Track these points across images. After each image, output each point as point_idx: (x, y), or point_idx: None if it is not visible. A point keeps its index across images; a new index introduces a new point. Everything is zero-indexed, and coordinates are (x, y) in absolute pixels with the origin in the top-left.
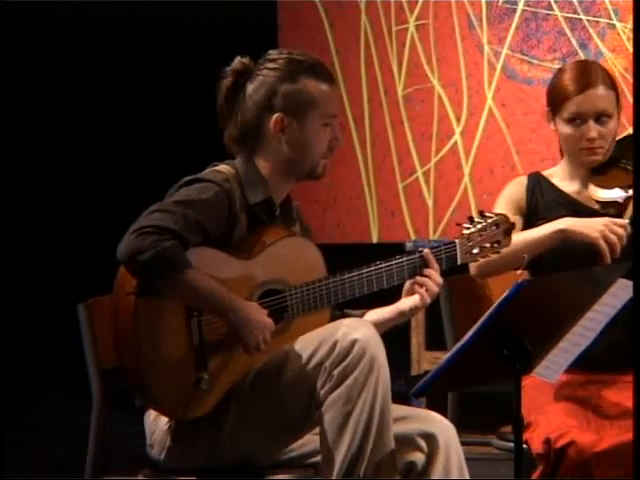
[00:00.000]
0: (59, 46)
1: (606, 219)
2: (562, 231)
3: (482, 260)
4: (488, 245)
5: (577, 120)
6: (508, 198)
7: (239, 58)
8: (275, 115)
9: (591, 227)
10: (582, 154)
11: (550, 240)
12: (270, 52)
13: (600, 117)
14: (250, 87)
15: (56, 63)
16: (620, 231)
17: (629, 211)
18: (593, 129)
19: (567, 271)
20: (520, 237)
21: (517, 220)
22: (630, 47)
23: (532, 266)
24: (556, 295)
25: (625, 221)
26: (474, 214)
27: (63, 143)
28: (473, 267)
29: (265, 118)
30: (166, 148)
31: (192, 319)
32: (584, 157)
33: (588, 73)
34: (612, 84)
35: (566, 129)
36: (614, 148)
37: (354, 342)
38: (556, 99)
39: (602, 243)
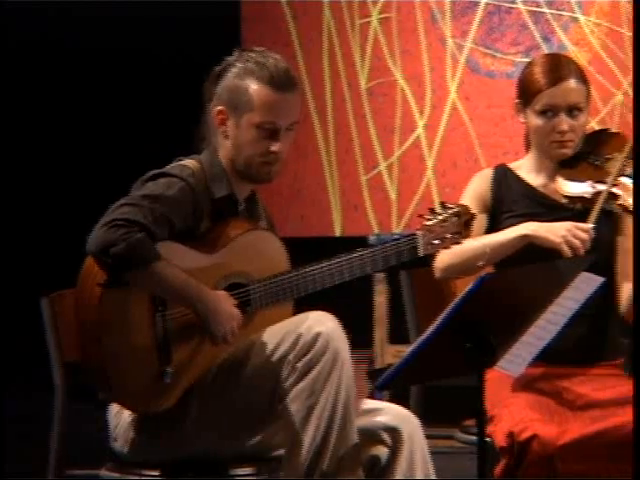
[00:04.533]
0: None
1: (569, 224)
2: (525, 236)
3: (444, 263)
4: (449, 236)
5: (549, 113)
6: (474, 192)
7: (236, 50)
8: (218, 107)
9: (554, 232)
10: (552, 147)
11: (513, 245)
12: (251, 49)
13: (572, 110)
14: (220, 80)
15: (24, 60)
16: (583, 235)
17: (597, 207)
18: (565, 122)
19: (530, 264)
20: (482, 241)
21: (483, 217)
22: (593, 40)
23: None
24: (519, 288)
25: (589, 226)
26: (436, 205)
27: (25, 137)
28: (437, 269)
29: (214, 110)
30: (130, 142)
31: (157, 312)
32: (554, 150)
33: (561, 66)
34: (583, 78)
35: (537, 121)
36: (583, 142)
37: (318, 335)
38: (528, 91)
39: (565, 248)
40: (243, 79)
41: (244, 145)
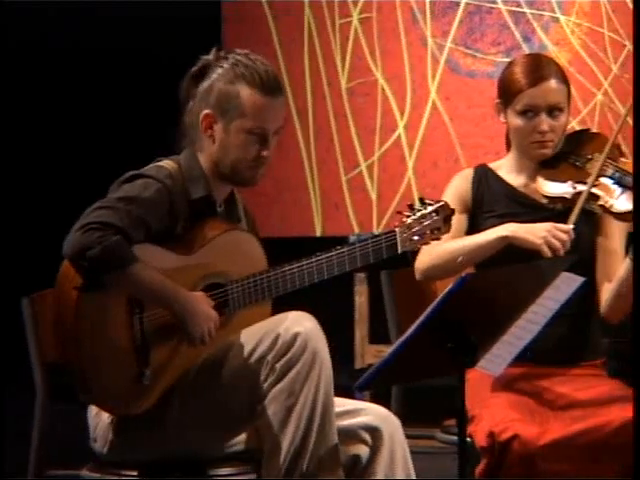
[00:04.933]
0: None
1: (549, 225)
2: (505, 238)
3: (425, 265)
4: (428, 232)
5: (529, 113)
6: (454, 192)
7: (214, 50)
8: (205, 111)
9: (534, 233)
10: (533, 147)
11: (493, 246)
12: (234, 50)
13: (552, 110)
14: (204, 80)
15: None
16: (563, 236)
17: (577, 208)
18: (545, 122)
19: (511, 264)
20: (462, 243)
21: (463, 218)
22: (574, 40)
23: None
24: (500, 288)
25: (569, 227)
26: (415, 202)
27: (2, 138)
28: (418, 271)
29: (201, 113)
30: (108, 143)
31: (134, 315)
32: (535, 150)
33: (542, 66)
34: (564, 78)
35: (518, 121)
36: (563, 143)
37: (296, 336)
38: (508, 91)
39: (545, 249)
40: (233, 84)
41: (233, 149)
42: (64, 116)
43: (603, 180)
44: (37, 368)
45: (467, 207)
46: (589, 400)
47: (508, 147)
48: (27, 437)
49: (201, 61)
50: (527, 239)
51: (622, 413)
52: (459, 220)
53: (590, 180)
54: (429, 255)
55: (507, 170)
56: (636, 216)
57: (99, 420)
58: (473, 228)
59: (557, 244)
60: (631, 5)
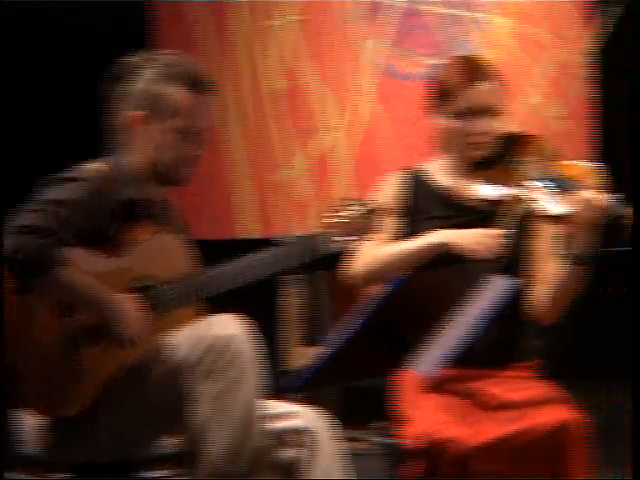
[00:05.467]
0: None
1: (482, 231)
2: (439, 244)
3: (358, 270)
4: (356, 232)
5: (464, 115)
6: (386, 195)
7: (131, 53)
8: (136, 112)
9: (467, 239)
10: (467, 149)
11: (427, 253)
12: (161, 51)
13: (487, 112)
14: (131, 82)
15: None
16: (495, 242)
17: (510, 210)
18: (480, 124)
19: (444, 267)
20: (396, 249)
21: (395, 221)
22: (508, 42)
23: None
24: (433, 291)
25: (501, 232)
26: (345, 202)
27: None
28: (352, 277)
29: (132, 115)
30: (38, 143)
31: (64, 317)
32: (469, 152)
33: (475, 68)
34: (497, 79)
35: (452, 123)
36: (497, 145)
37: (225, 339)
38: (441, 94)
39: (479, 254)
40: (165, 84)
41: (167, 149)
42: None
43: (536, 183)
44: None
45: (400, 209)
46: (522, 401)
47: (440, 149)
48: None
49: (124, 63)
50: (460, 245)
51: (555, 415)
52: (392, 223)
53: (524, 183)
54: (363, 260)
55: (440, 172)
56: (636, 216)
57: (31, 423)
58: (406, 231)
59: (489, 250)
60: (566, 7)
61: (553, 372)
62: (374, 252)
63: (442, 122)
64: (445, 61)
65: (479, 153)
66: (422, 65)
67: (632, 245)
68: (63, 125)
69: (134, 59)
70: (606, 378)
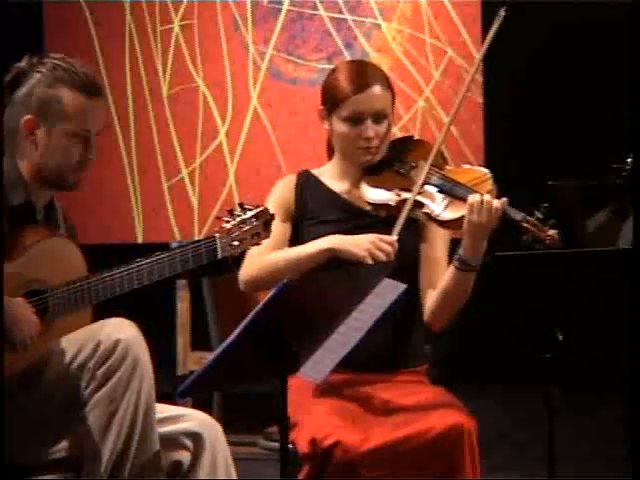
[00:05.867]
0: None
1: (373, 236)
2: (329, 250)
3: (249, 276)
4: (248, 237)
5: (354, 119)
6: (276, 199)
7: (27, 56)
8: (26, 116)
9: (358, 245)
10: (358, 153)
11: (317, 258)
12: (50, 55)
13: (377, 117)
14: (21, 87)
15: None
16: (387, 248)
17: (402, 216)
18: (370, 128)
19: (332, 270)
20: (286, 254)
21: (286, 226)
22: (395, 47)
23: None
24: (321, 294)
25: (393, 238)
26: (235, 207)
27: None
28: (242, 283)
29: (22, 119)
30: None
31: None
32: (360, 156)
33: (365, 73)
34: (388, 84)
35: (343, 128)
36: (387, 149)
37: (117, 342)
38: (333, 98)
39: (369, 261)
40: (53, 87)
41: (57, 153)
42: None
43: (427, 188)
44: None
45: (290, 214)
46: (412, 406)
47: (330, 154)
48: None
49: (14, 69)
50: (351, 251)
51: (445, 419)
52: (282, 228)
53: (415, 187)
54: (253, 266)
55: (330, 176)
56: (636, 216)
57: None
58: (297, 235)
59: (381, 255)
60: (452, 12)
61: (443, 377)
62: (264, 258)
63: (333, 127)
64: (334, 66)
65: (368, 158)
66: (310, 69)
67: (633, 246)
68: None
69: (24, 63)
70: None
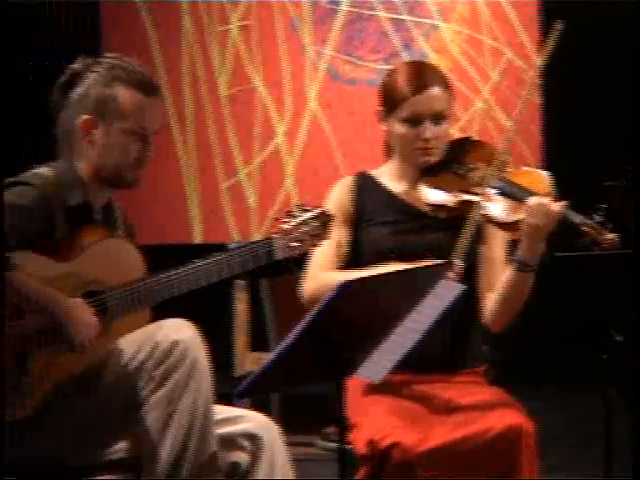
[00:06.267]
0: None
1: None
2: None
3: (311, 293)
4: (307, 238)
5: (413, 120)
6: (334, 203)
7: (81, 57)
8: (83, 117)
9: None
10: (416, 154)
11: None
12: (105, 55)
13: (436, 118)
14: (77, 88)
15: None
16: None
17: (460, 215)
18: (429, 129)
19: (390, 271)
20: (350, 276)
21: (345, 228)
22: (453, 48)
23: (358, 264)
24: (379, 295)
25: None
26: (293, 208)
27: None
28: (304, 297)
29: (78, 119)
30: None
31: (14, 321)
32: (418, 157)
33: (424, 73)
34: (447, 85)
35: (401, 129)
36: (445, 150)
37: (175, 343)
38: (391, 99)
39: None
40: (110, 86)
41: (115, 151)
42: None
43: (485, 189)
44: None
45: (349, 217)
46: (470, 406)
47: (387, 155)
48: None
49: (69, 70)
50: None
51: (503, 420)
52: (341, 232)
53: (475, 189)
54: (315, 283)
55: (389, 177)
56: (636, 216)
57: None
58: (354, 237)
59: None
60: (511, 14)
61: (500, 378)
62: (326, 276)
63: (392, 128)
64: (393, 67)
65: (427, 159)
66: (369, 70)
67: (632, 247)
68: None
69: (79, 64)
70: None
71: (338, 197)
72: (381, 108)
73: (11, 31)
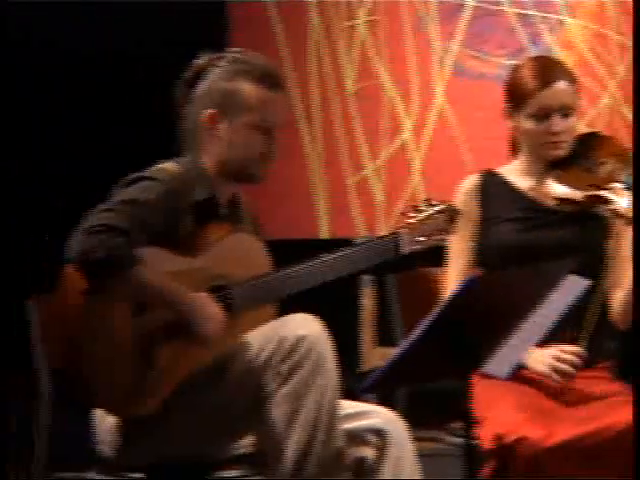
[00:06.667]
0: None
1: (554, 350)
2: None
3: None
4: (434, 233)
5: (541, 115)
6: (461, 199)
7: (204, 53)
8: (208, 111)
9: (540, 360)
10: (545, 148)
11: None
12: (229, 50)
13: (564, 112)
14: (201, 83)
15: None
16: (570, 358)
17: (589, 211)
18: (558, 123)
19: (515, 267)
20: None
21: (471, 226)
22: (580, 43)
23: (484, 261)
24: (506, 290)
25: (575, 349)
26: (420, 202)
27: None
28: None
29: (202, 114)
30: (110, 145)
31: (138, 316)
32: (547, 151)
33: (550, 68)
34: (573, 79)
35: (529, 124)
36: (573, 145)
37: (302, 338)
38: (518, 95)
39: (554, 376)
40: (233, 80)
41: (240, 145)
42: (66, 118)
43: (615, 184)
44: (43, 372)
45: (475, 214)
46: (596, 401)
47: (513, 152)
48: (31, 441)
49: (194, 66)
50: (534, 368)
51: (629, 415)
52: (468, 226)
53: (603, 184)
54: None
55: (515, 174)
56: (636, 216)
57: (105, 423)
58: (481, 234)
59: (565, 367)
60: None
61: (626, 373)
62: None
63: (519, 123)
64: (520, 62)
65: (556, 153)
66: (495, 65)
67: (633, 246)
68: (140, 128)
69: (203, 60)
70: None
71: (462, 200)
72: (507, 104)
73: (140, 28)
